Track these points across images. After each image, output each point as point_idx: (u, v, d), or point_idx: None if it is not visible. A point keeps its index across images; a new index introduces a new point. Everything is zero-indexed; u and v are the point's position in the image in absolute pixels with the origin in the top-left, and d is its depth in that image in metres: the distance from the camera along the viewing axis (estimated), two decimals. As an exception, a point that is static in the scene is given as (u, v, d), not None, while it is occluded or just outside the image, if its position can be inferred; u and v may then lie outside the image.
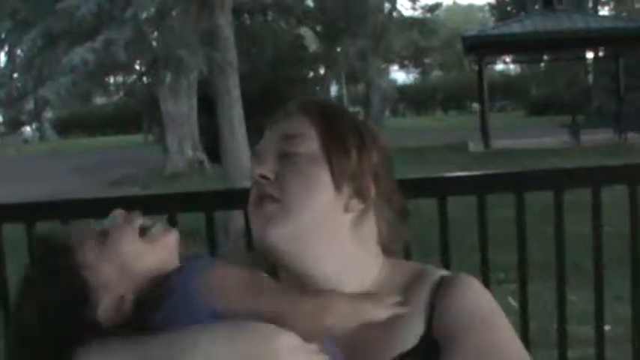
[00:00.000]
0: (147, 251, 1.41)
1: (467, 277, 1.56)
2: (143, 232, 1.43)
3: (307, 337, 1.28)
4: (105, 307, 1.36)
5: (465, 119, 44.44)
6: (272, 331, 1.25)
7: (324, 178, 1.51)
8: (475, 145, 24.78)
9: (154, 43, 12.95)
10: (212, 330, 1.26)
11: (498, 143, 23.98)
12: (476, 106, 42.53)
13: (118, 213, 1.46)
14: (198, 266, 1.36)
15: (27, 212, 3.33)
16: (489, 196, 2.97)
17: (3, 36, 12.83)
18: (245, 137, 11.58)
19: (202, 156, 23.28)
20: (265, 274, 1.42)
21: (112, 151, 37.78)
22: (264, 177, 1.51)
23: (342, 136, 1.54)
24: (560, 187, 2.93)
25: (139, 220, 1.45)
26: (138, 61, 14.27)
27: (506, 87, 59.31)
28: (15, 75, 13.21)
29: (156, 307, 1.33)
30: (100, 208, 3.29)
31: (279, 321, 1.26)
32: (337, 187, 1.51)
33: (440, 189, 2.96)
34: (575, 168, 3.19)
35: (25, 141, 63.45)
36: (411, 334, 1.48)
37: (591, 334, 3.06)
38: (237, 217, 8.97)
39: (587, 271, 3.06)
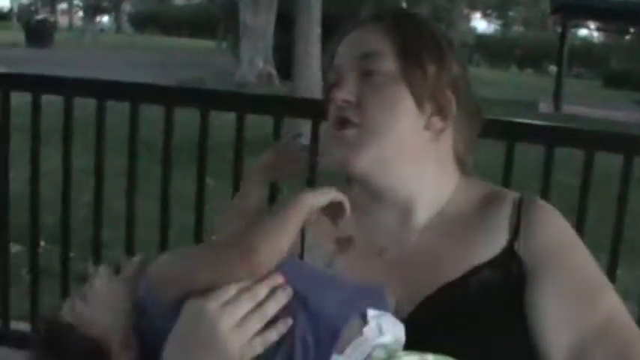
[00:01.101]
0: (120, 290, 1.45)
1: (545, 202, 1.58)
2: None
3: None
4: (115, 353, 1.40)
5: (539, 79, 43.73)
6: (210, 320, 1.26)
7: (405, 99, 1.51)
8: (546, 107, 24.42)
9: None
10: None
11: (570, 109, 23.58)
12: (552, 68, 41.81)
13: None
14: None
15: (99, 90, 3.41)
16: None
17: None
18: (319, 58, 11.57)
19: (272, 70, 23.25)
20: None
21: (185, 53, 37.87)
22: (345, 101, 1.52)
23: (420, 51, 1.53)
24: (632, 152, 2.85)
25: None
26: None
27: (587, 54, 58.20)
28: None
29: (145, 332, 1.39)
30: (172, 95, 3.36)
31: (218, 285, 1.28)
32: (419, 107, 1.51)
33: (510, 133, 2.93)
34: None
35: (102, 30, 64.00)
36: (490, 248, 1.51)
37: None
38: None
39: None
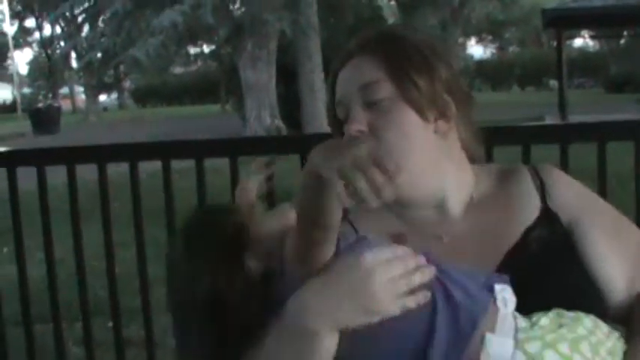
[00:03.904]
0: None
1: (552, 165, 1.85)
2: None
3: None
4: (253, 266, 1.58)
5: (542, 95, 43.70)
6: (367, 271, 1.42)
7: (409, 117, 1.67)
8: (552, 120, 24.46)
9: (237, 12, 13.12)
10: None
11: (576, 119, 23.57)
12: (554, 82, 41.79)
13: None
14: None
15: (131, 152, 3.51)
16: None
17: (92, 2, 13.12)
18: (325, 103, 11.67)
19: (280, 123, 23.33)
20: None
21: (191, 120, 38.09)
22: (359, 131, 1.66)
23: (409, 70, 1.68)
24: None
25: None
26: (220, 31, 14.41)
27: (585, 64, 58.21)
28: (102, 40, 13.52)
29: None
30: (200, 149, 3.47)
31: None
32: (423, 118, 1.67)
33: (524, 138, 3.01)
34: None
35: (105, 109, 64.43)
36: (529, 211, 1.71)
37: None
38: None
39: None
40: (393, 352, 1.43)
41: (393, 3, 32.12)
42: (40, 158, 3.57)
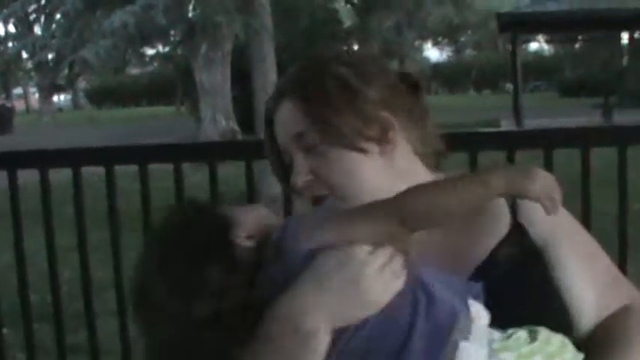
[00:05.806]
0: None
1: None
2: None
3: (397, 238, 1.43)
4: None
5: (498, 99, 44.07)
6: (359, 263, 1.39)
7: (347, 156, 1.60)
8: (508, 124, 24.66)
9: (190, 14, 13.05)
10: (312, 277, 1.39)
11: (531, 123, 23.79)
12: (510, 86, 42.19)
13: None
14: (295, 228, 1.47)
15: (74, 158, 3.47)
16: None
17: (43, 2, 12.97)
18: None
19: (235, 126, 23.21)
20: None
21: (146, 121, 37.95)
22: (305, 182, 1.62)
23: (329, 111, 1.60)
24: (588, 145, 2.95)
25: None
26: (174, 32, 14.34)
27: (540, 67, 58.89)
28: (53, 41, 13.39)
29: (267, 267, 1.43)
30: (146, 155, 3.44)
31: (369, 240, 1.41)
32: (362, 150, 1.60)
33: (472, 144, 3.01)
34: (604, 126, 3.24)
35: (60, 109, 63.88)
36: (498, 226, 1.65)
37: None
38: (271, 185, 9.09)
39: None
40: (372, 349, 1.39)
41: (348, 6, 32.28)
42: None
